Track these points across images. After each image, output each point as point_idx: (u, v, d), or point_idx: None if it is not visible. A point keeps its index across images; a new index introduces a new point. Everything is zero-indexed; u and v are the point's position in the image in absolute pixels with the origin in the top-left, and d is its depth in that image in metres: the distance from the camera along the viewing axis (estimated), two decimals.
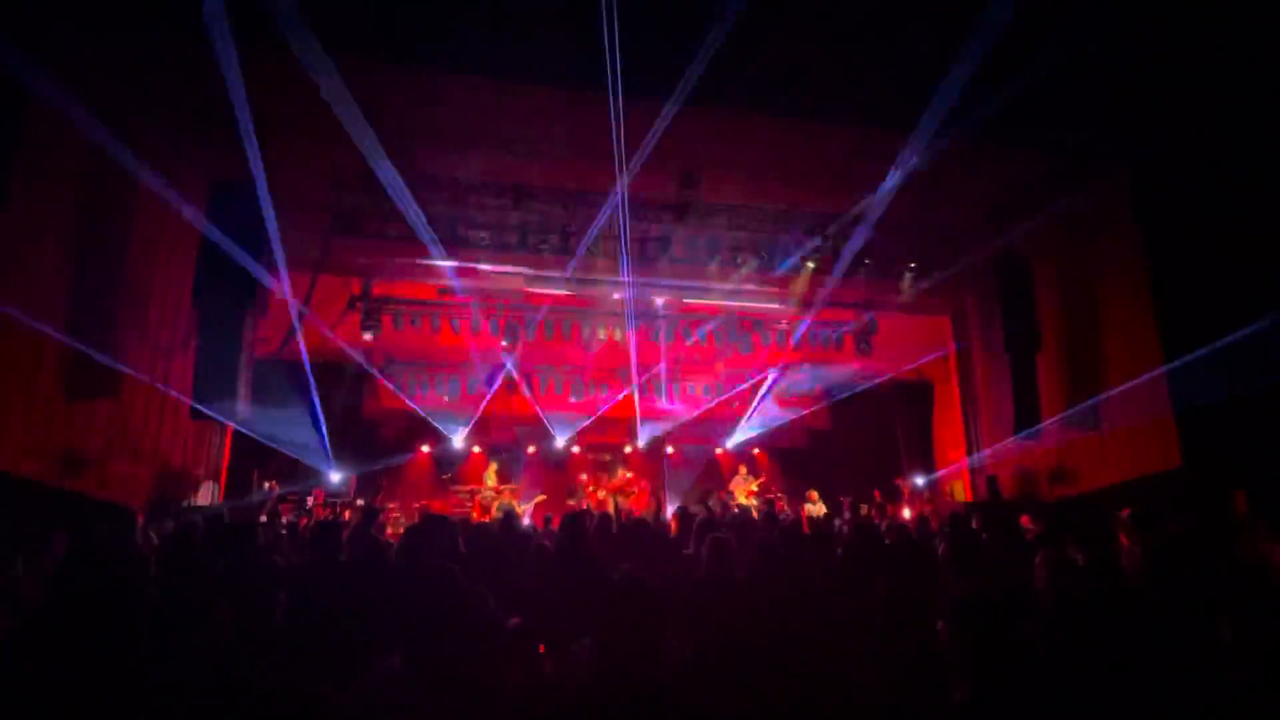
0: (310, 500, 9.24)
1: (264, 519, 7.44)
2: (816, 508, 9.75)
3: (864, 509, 9.47)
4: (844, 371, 12.43)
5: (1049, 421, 9.19)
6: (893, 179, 7.75)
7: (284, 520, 7.86)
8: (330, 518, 8.05)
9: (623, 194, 8.05)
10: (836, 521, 6.94)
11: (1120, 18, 5.81)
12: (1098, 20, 5.82)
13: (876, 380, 12.46)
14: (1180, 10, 5.84)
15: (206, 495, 8.47)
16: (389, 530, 7.77)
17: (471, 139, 7.85)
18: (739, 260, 9.66)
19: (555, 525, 5.46)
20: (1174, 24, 5.98)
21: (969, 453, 11.08)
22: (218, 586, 2.73)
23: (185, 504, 7.68)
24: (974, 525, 5.94)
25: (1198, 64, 6.48)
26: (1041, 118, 7.20)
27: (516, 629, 2.40)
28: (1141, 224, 8.36)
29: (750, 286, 10.09)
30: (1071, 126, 7.41)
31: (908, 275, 10.09)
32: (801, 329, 11.73)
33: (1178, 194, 7.85)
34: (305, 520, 8.06)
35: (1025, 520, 6.64)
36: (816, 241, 9.49)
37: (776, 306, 11.00)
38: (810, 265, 9.71)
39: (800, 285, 10.08)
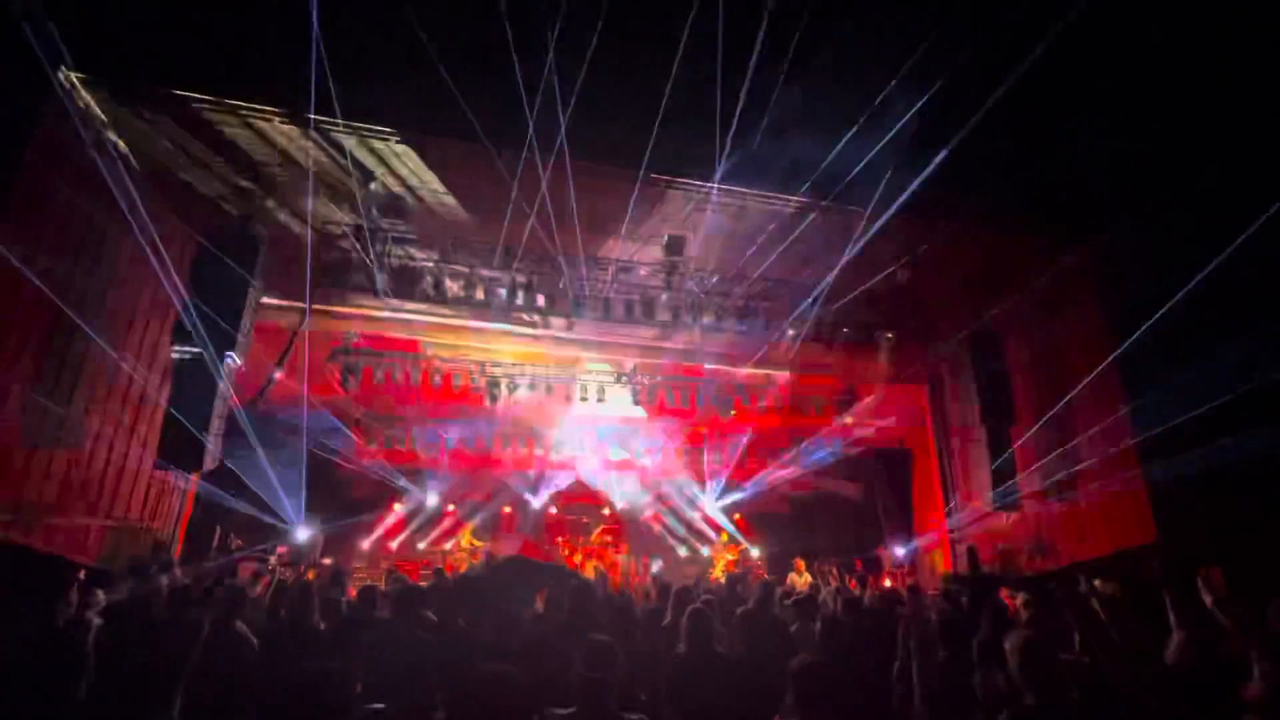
0: (273, 559, 8.80)
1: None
2: (802, 578, 9.55)
3: (849, 580, 9.29)
4: (825, 437, 12.46)
5: (1026, 493, 9.24)
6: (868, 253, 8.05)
7: (240, 580, 7.44)
8: (292, 580, 7.63)
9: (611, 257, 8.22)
10: (824, 592, 6.80)
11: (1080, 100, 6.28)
12: (1057, 102, 6.27)
13: (856, 448, 12.49)
14: (1135, 92, 6.31)
15: (164, 550, 8.03)
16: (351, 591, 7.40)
17: (475, 202, 8.05)
18: (722, 324, 9.80)
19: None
20: (1129, 107, 6.46)
21: (948, 522, 11.03)
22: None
23: (137, 562, 7.25)
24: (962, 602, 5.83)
25: (1155, 146, 6.94)
26: (1008, 197, 7.60)
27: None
28: (1104, 300, 8.74)
29: (732, 350, 10.21)
30: (1036, 205, 7.82)
31: (884, 344, 10.31)
32: (782, 394, 11.81)
33: (1140, 271, 8.24)
34: (266, 580, 7.65)
35: (1004, 594, 6.55)
36: (796, 308, 9.70)
37: (758, 371, 11.10)
38: (790, 332, 9.89)
39: (781, 351, 10.23)
